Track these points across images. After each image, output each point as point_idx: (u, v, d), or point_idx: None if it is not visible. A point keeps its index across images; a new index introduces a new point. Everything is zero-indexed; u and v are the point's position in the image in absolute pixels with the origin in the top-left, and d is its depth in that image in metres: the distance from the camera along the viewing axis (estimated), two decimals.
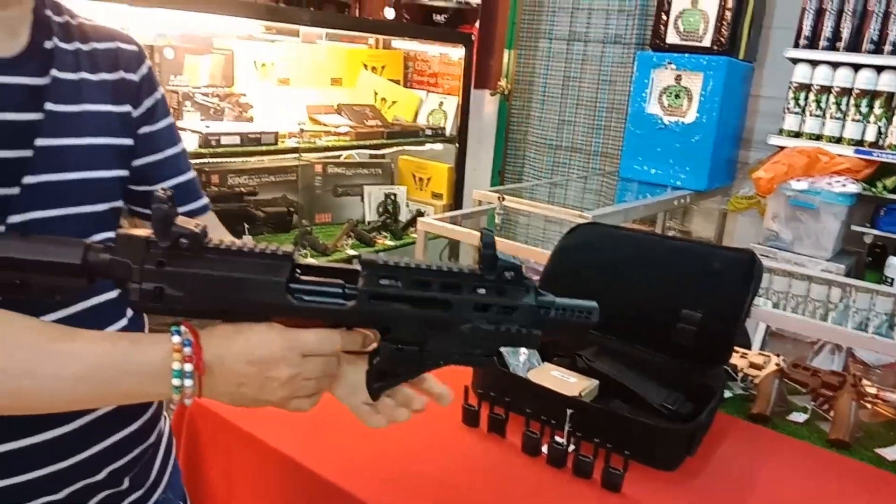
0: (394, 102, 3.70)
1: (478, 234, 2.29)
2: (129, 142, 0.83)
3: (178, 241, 0.65)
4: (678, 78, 2.67)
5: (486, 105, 3.74)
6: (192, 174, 0.94)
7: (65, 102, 0.75)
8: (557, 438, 1.17)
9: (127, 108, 0.83)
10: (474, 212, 2.42)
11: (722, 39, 2.60)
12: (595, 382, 1.35)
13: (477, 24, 3.66)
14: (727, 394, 1.48)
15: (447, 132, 3.60)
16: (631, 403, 1.32)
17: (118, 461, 0.82)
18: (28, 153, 0.71)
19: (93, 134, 0.77)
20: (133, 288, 0.66)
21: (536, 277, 2.33)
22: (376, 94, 3.68)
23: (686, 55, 2.65)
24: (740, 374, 1.53)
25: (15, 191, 0.69)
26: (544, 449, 1.19)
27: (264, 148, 2.72)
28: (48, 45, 0.75)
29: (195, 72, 2.73)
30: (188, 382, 0.66)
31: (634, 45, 3.18)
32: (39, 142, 0.71)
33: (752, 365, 1.53)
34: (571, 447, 1.17)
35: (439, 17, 3.74)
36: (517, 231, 3.40)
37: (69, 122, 0.75)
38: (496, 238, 0.76)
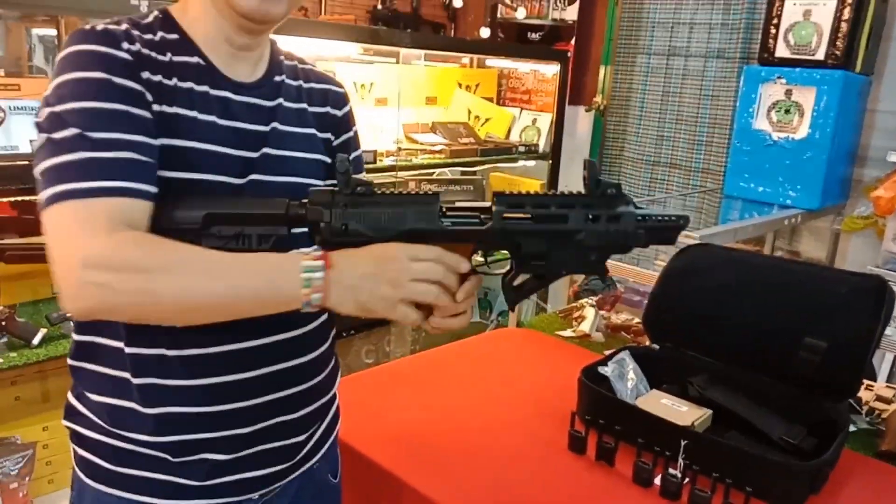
0: (487, 120, 3.71)
1: None
2: (327, 160, 1.02)
3: (355, 188, 0.84)
4: (788, 93, 2.55)
5: (581, 121, 3.70)
6: None
7: (286, 123, 0.96)
8: (671, 471, 1.13)
9: (329, 135, 1.04)
10: None
11: (837, 52, 2.47)
12: (708, 412, 1.30)
13: (572, 41, 3.63)
14: (851, 428, 1.39)
15: (540, 149, 3.58)
16: (747, 435, 1.26)
17: (304, 408, 0.98)
18: (255, 155, 0.92)
19: (303, 150, 0.98)
20: (325, 226, 0.83)
21: (638, 298, 2.28)
22: (470, 111, 3.70)
23: (797, 69, 2.53)
24: (865, 408, 1.44)
25: (243, 181, 0.90)
26: (657, 480, 1.15)
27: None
28: (278, 78, 0.98)
29: None
30: (317, 274, 0.79)
31: (739, 59, 3.07)
32: (265, 150, 0.92)
33: (880, 398, 1.43)
34: (686, 480, 1.12)
35: (534, 35, 3.73)
36: None
37: (288, 138, 0.96)
38: None
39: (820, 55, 2.52)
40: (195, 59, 0.90)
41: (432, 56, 3.52)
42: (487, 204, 0.87)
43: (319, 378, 1.01)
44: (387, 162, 2.92)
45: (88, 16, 2.42)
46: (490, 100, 3.81)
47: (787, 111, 2.56)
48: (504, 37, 3.71)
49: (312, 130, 1.01)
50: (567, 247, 0.86)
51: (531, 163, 3.60)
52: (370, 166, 2.81)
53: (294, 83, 1.01)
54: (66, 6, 2.11)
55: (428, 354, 1.68)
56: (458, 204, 0.88)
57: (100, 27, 0.83)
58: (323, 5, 3.54)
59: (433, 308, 0.84)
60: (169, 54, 0.87)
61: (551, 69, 3.59)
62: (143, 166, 0.80)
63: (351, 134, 1.09)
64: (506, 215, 0.85)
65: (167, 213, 0.82)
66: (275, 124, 0.95)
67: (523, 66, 3.76)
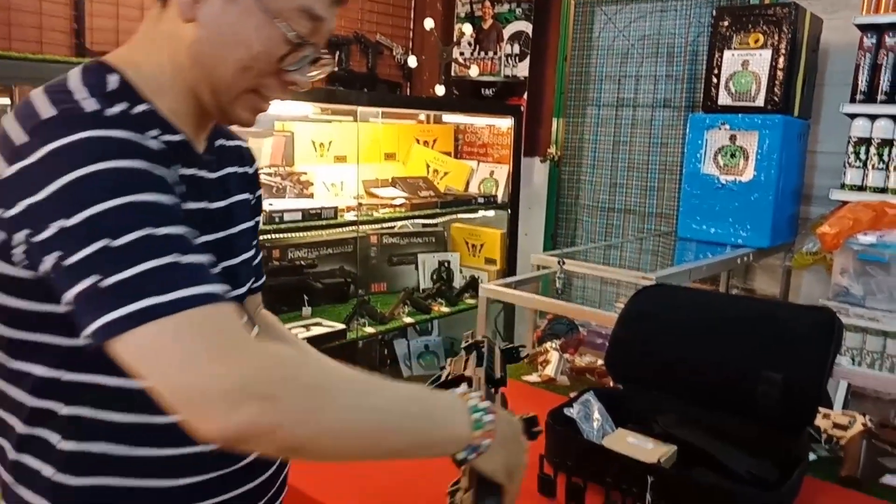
0: (446, 173, 3.78)
1: (539, 298, 2.31)
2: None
3: None
4: (733, 138, 2.67)
5: (536, 172, 3.79)
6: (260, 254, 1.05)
7: (235, 192, 0.90)
8: None
9: (248, 196, 0.96)
10: (533, 277, 2.42)
11: (776, 98, 2.60)
12: (673, 448, 1.31)
13: (525, 96, 3.75)
14: (811, 457, 1.42)
15: (499, 199, 3.65)
16: (712, 471, 1.27)
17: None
18: (220, 236, 0.86)
19: (245, 220, 0.93)
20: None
21: (601, 341, 2.31)
22: (429, 166, 3.76)
23: (740, 115, 2.65)
24: (824, 436, 1.47)
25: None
26: None
27: (324, 222, 2.80)
28: (217, 142, 0.90)
29: (258, 153, 2.85)
30: (487, 417, 0.74)
31: (684, 107, 3.21)
32: (229, 230, 0.88)
33: (837, 426, 1.46)
34: None
35: (488, 91, 3.85)
36: (573, 294, 3.38)
37: (236, 209, 0.90)
38: (557, 301, 0.90)
39: (760, 101, 2.64)
40: (178, 137, 0.79)
41: (389, 113, 3.60)
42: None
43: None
44: (348, 217, 2.95)
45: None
46: (448, 154, 3.89)
47: (732, 155, 2.67)
48: (459, 93, 3.81)
49: (247, 195, 0.95)
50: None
51: (490, 213, 3.67)
52: (332, 222, 2.83)
53: (227, 142, 0.93)
54: (20, 76, 2.11)
55: None
56: None
57: (88, 109, 0.68)
58: None
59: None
60: (156, 131, 0.74)
61: (506, 123, 3.69)
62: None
63: (259, 192, 1.01)
64: None
65: None
66: (231, 198, 0.88)
67: (479, 121, 3.86)
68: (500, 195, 3.68)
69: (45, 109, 0.68)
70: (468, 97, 3.84)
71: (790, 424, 1.31)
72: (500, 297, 2.26)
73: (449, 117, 3.87)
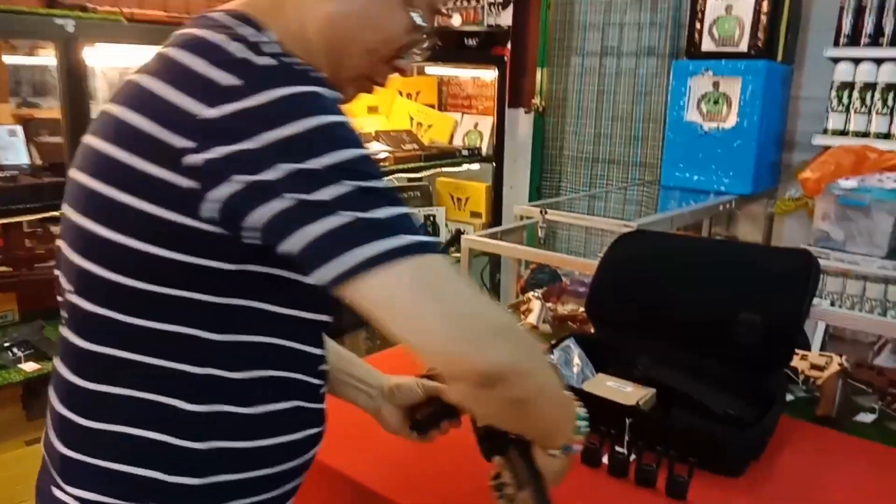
0: (430, 126, 3.74)
1: (521, 247, 2.28)
2: None
3: None
4: (716, 84, 2.65)
5: (521, 123, 3.76)
6: None
7: None
8: (618, 448, 1.16)
9: None
10: (516, 227, 2.42)
11: (759, 44, 2.57)
12: (652, 391, 1.33)
13: (508, 46, 3.69)
14: (789, 397, 1.45)
15: (483, 152, 3.62)
16: (691, 411, 1.29)
17: None
18: None
19: None
20: None
21: (583, 290, 2.32)
22: (412, 119, 3.72)
23: (723, 61, 2.63)
24: (801, 377, 1.49)
25: None
26: (605, 459, 1.17)
27: None
28: None
29: None
30: (584, 425, 0.81)
31: (669, 55, 3.17)
32: None
33: (814, 366, 1.49)
34: (633, 457, 1.15)
35: (471, 42, 3.78)
36: (558, 245, 3.39)
37: None
38: (538, 250, 0.91)
39: (743, 47, 2.62)
40: None
41: None
42: None
43: None
44: None
45: (12, 37, 2.38)
46: (431, 106, 3.84)
47: (715, 102, 2.65)
48: (441, 44, 3.75)
49: None
50: None
51: (475, 166, 3.64)
52: None
53: None
54: None
55: (380, 359, 1.68)
56: None
57: (298, 67, 0.67)
58: None
59: None
60: None
61: (490, 74, 3.64)
62: None
63: None
64: None
65: None
66: None
67: (462, 73, 3.80)
68: (485, 147, 3.65)
69: (251, 55, 0.66)
70: (451, 48, 3.78)
71: (768, 364, 1.33)
72: (483, 248, 2.26)
73: (432, 69, 3.81)
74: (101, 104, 0.93)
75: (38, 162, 2.27)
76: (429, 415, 0.98)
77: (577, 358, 1.42)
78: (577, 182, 3.57)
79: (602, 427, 1.18)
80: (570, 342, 1.46)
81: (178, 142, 0.64)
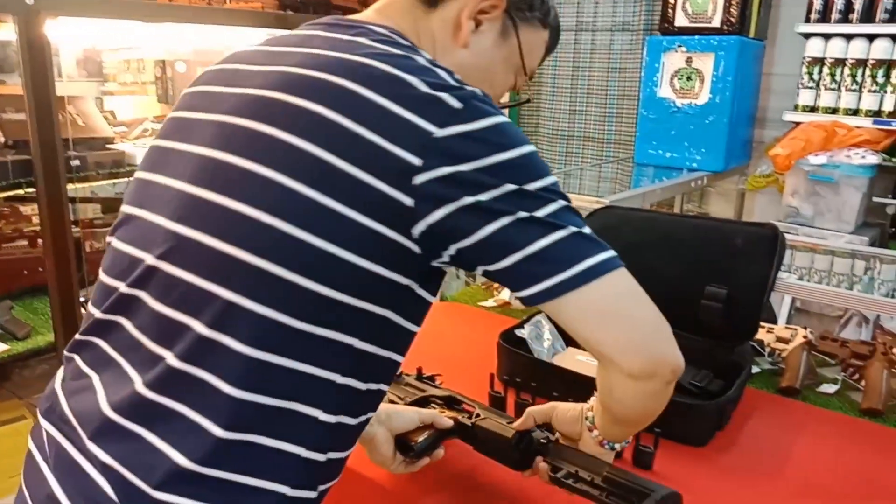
0: None
1: None
2: None
3: None
4: (689, 60, 2.65)
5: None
6: None
7: None
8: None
9: None
10: None
11: (732, 19, 2.58)
12: None
13: None
14: (755, 369, 1.47)
15: None
16: None
17: None
18: None
19: None
20: None
21: None
22: None
23: (696, 37, 2.64)
24: (767, 349, 1.52)
25: None
26: None
27: None
28: None
29: None
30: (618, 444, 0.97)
31: (643, 31, 3.17)
32: None
33: (780, 339, 1.51)
34: None
35: None
36: None
37: None
38: None
39: (716, 22, 2.62)
40: None
41: None
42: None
43: None
44: None
45: None
46: None
47: (688, 78, 2.66)
48: None
49: None
50: None
51: None
52: None
53: None
54: None
55: None
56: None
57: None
58: None
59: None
60: None
61: None
62: None
63: None
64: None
65: None
66: None
67: None
68: None
69: (454, 80, 0.70)
70: None
71: (733, 337, 1.35)
72: None
73: None
74: (184, 87, 0.87)
75: (2, 139, 2.22)
76: (430, 439, 1.02)
77: (547, 332, 1.43)
78: (553, 159, 3.58)
79: (571, 399, 1.20)
80: (541, 317, 1.47)
81: (409, 158, 0.65)
